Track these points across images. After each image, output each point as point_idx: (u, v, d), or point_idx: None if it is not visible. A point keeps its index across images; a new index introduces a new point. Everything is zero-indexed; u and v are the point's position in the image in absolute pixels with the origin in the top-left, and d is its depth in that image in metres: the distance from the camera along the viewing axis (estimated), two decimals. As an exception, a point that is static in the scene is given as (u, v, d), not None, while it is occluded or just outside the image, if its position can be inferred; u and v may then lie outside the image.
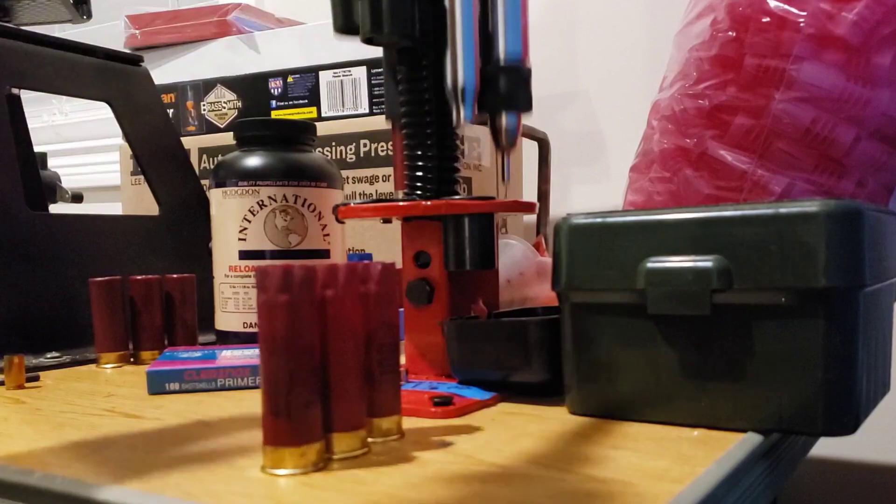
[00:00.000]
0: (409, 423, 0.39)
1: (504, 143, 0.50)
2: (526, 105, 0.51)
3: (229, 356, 0.53)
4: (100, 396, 0.48)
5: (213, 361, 0.50)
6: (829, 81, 0.51)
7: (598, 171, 1.12)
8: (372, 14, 0.50)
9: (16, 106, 0.75)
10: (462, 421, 0.40)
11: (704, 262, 0.36)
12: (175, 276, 0.65)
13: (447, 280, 0.49)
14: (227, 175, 0.63)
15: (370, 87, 0.86)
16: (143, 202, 0.99)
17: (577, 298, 0.40)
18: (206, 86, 0.96)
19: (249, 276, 0.63)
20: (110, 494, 0.29)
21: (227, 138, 0.93)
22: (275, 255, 0.62)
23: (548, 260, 0.64)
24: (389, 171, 0.82)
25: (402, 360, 0.50)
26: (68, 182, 1.21)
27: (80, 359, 0.62)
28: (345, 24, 0.51)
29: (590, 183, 1.12)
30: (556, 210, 1.02)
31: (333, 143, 0.85)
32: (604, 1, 1.10)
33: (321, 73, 0.88)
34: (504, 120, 0.50)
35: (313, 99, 0.89)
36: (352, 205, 0.52)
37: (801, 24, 0.52)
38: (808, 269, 0.34)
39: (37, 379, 0.54)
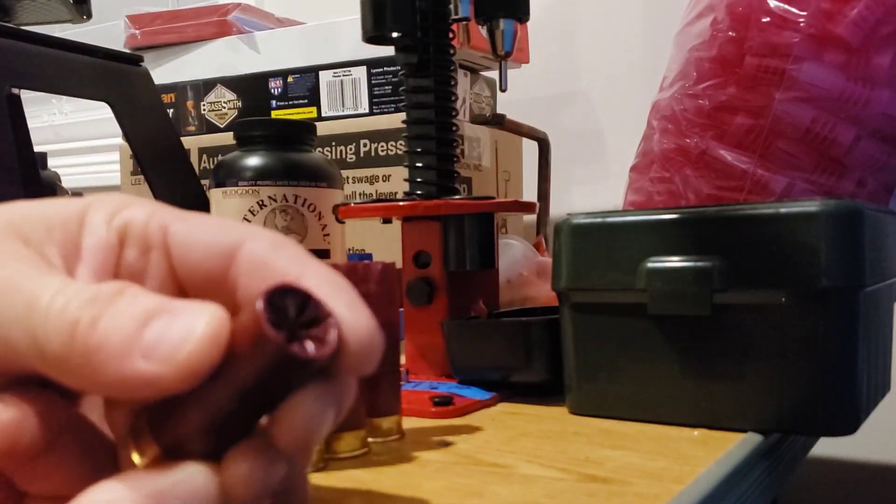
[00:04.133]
0: (409, 423, 0.39)
1: (501, 50, 0.51)
2: (524, 12, 0.51)
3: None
4: (100, 396, 0.48)
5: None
6: (829, 81, 0.51)
7: (598, 170, 1.12)
8: (374, 12, 0.50)
9: (16, 106, 0.75)
10: (462, 421, 0.40)
11: (705, 261, 0.36)
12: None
13: (447, 280, 0.49)
14: (227, 175, 0.63)
15: (370, 87, 0.86)
16: (143, 202, 0.99)
17: (577, 298, 0.40)
18: (206, 86, 0.96)
19: (249, 276, 0.62)
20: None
21: (227, 138, 0.93)
22: (275, 255, 0.62)
23: (548, 260, 0.64)
24: (389, 171, 0.82)
25: (402, 360, 0.50)
26: (68, 182, 1.21)
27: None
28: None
29: (590, 183, 1.12)
30: (556, 210, 1.02)
31: (333, 143, 0.85)
32: (604, 1, 1.10)
33: (321, 73, 0.88)
34: (502, 26, 0.50)
35: (313, 99, 0.89)
36: (352, 205, 0.52)
37: (801, 24, 0.52)
38: (809, 269, 0.34)
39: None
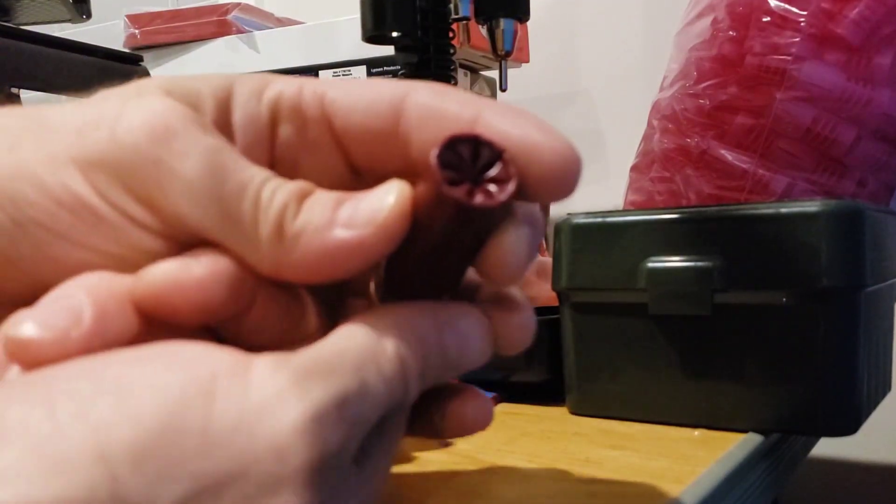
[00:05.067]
0: (409, 423, 0.39)
1: (501, 50, 0.51)
2: (524, 12, 0.51)
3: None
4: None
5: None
6: (829, 81, 0.51)
7: (599, 170, 1.12)
8: (374, 12, 0.50)
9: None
10: (462, 421, 0.40)
11: (705, 261, 0.36)
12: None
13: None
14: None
15: (370, 86, 0.86)
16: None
17: (577, 298, 0.40)
18: (206, 85, 0.95)
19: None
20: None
21: (227, 138, 0.93)
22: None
23: (548, 260, 0.64)
24: (389, 170, 0.82)
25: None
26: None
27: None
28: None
29: (590, 182, 1.12)
30: (557, 210, 1.02)
31: (333, 143, 0.85)
32: (604, 0, 1.10)
33: (321, 73, 0.88)
34: (502, 25, 0.50)
35: (313, 98, 0.89)
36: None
37: (802, 24, 0.52)
38: (809, 269, 0.34)
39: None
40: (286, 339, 0.21)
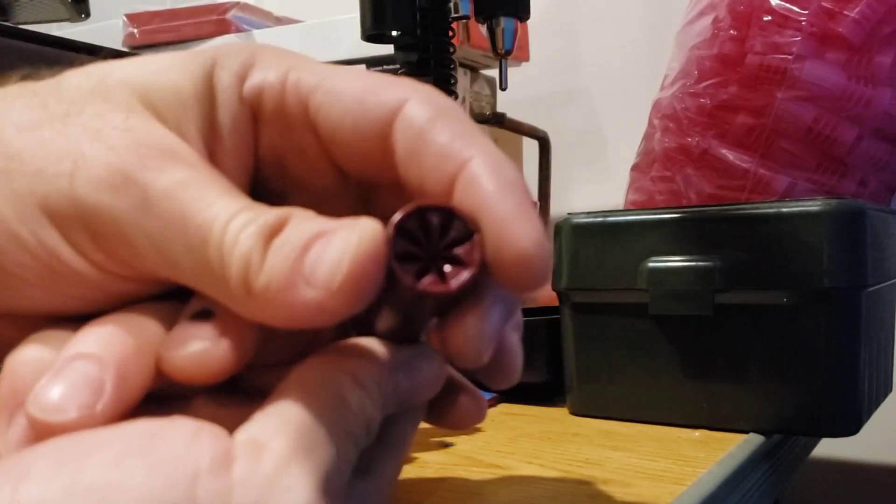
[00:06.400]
0: (408, 423, 0.38)
1: (501, 49, 0.51)
2: (524, 11, 0.51)
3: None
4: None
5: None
6: (830, 80, 0.51)
7: (599, 170, 1.12)
8: (374, 10, 0.50)
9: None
10: (462, 421, 0.40)
11: (706, 261, 0.36)
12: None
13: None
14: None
15: (370, 85, 0.85)
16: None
17: (577, 298, 0.40)
18: (206, 84, 0.95)
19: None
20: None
21: (227, 137, 0.92)
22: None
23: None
24: (389, 170, 0.82)
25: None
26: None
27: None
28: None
29: (590, 182, 1.12)
30: (557, 210, 1.02)
31: (333, 142, 0.85)
32: None
33: (321, 72, 0.88)
34: (502, 24, 0.50)
35: (313, 98, 0.89)
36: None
37: (803, 23, 0.51)
38: (811, 269, 0.34)
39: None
40: (296, 351, 0.21)
